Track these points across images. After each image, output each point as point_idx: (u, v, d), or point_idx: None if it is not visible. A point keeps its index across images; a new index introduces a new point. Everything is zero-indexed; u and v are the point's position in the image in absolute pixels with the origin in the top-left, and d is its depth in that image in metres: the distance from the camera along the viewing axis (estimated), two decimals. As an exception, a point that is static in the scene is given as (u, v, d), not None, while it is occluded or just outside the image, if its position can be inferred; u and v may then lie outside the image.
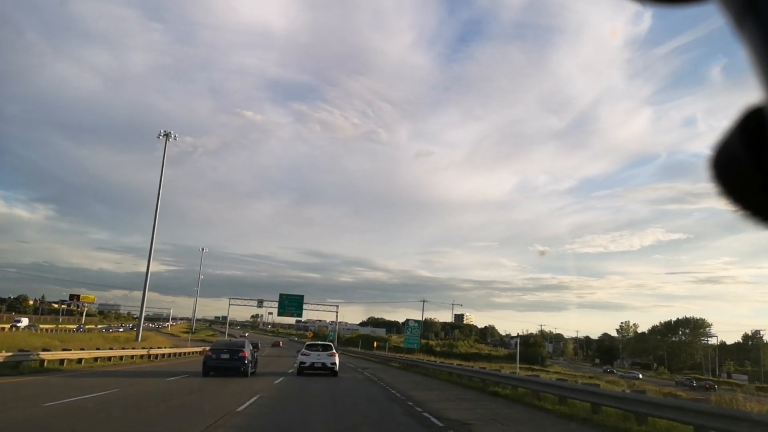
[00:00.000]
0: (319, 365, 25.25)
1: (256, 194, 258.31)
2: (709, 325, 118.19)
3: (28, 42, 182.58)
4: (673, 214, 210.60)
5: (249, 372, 23.66)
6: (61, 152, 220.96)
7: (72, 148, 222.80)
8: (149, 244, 51.71)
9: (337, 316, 79.11)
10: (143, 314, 55.77)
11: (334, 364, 25.40)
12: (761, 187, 0.68)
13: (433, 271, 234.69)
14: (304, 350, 26.71)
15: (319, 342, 31.45)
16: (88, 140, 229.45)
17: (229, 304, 73.27)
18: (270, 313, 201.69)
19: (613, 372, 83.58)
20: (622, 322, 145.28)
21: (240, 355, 23.38)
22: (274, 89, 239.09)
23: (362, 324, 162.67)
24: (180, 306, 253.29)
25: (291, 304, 76.73)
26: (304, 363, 25.45)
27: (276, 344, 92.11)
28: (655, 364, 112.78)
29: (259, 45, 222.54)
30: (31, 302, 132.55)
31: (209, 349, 25.02)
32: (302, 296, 77.30)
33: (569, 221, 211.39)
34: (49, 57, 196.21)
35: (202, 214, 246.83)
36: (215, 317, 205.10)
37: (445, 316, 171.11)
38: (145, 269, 53.54)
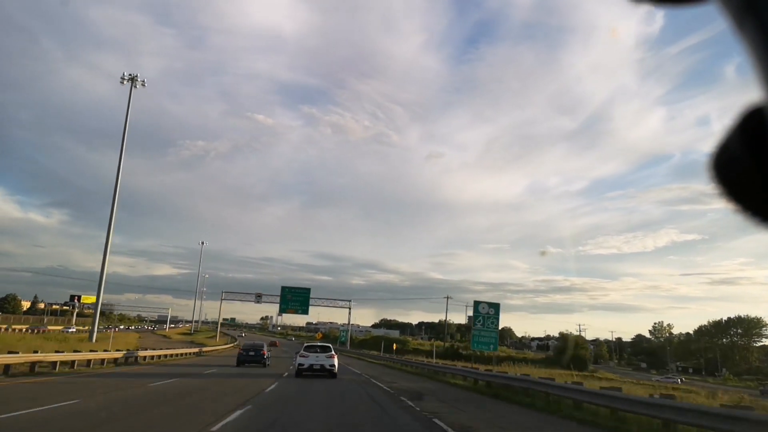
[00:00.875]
0: (318, 367, 24.87)
1: (268, 197, 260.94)
2: (765, 325, 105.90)
3: (43, 49, 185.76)
4: (687, 214, 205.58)
5: (267, 364, 34.08)
6: (74, 157, 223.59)
7: (85, 153, 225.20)
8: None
9: (350, 315, 67.85)
10: (98, 313, 44.26)
11: (333, 366, 25.05)
12: (761, 187, 0.68)
13: (445, 273, 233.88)
14: (302, 352, 26.33)
15: (318, 343, 30.23)
16: (101, 145, 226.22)
17: (221, 300, 62.31)
18: (279, 315, 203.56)
19: (675, 379, 70.88)
20: (655, 323, 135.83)
21: (261, 352, 34.59)
22: (284, 93, 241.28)
23: (374, 326, 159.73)
24: (190, 309, 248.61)
25: (295, 299, 65.38)
26: (303, 365, 25.02)
27: (273, 344, 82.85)
28: (705, 369, 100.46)
29: (269, 49, 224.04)
30: (26, 303, 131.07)
31: (241, 348, 36.41)
32: (308, 290, 66.19)
33: (581, 222, 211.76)
34: (63, 63, 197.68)
35: (214, 218, 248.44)
36: (224, 319, 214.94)
37: (458, 318, 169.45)
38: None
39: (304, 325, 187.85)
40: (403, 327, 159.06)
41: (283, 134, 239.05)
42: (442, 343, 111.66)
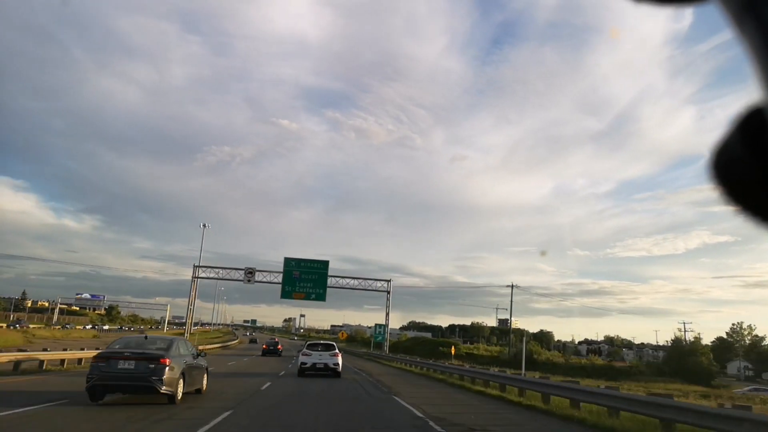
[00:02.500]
0: (321, 366, 24.18)
1: (293, 202, 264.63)
2: None
3: (74, 58, 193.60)
4: (719, 215, 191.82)
5: (281, 354, 46.17)
6: (105, 164, 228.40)
7: (116, 160, 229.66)
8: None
9: (389, 302, 46.45)
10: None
11: (337, 364, 24.39)
12: (762, 187, 0.67)
13: (470, 276, 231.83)
14: (305, 350, 25.45)
15: (322, 341, 28.68)
16: (131, 152, 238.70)
17: (194, 278, 41.78)
18: (302, 316, 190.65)
19: None
20: (734, 324, 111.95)
21: (278, 347, 47.73)
22: (308, 97, 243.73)
23: (403, 328, 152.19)
24: (218, 312, 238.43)
25: (306, 277, 44.23)
26: (305, 363, 24.25)
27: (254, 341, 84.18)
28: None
29: (293, 54, 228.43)
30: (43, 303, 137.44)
31: (266, 344, 49.59)
32: (324, 264, 44.87)
33: (609, 225, 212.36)
34: (93, 72, 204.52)
35: (241, 222, 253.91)
36: (244, 321, 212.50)
37: (488, 322, 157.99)
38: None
39: (329, 328, 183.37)
40: (433, 330, 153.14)
41: (308, 139, 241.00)
42: (495, 348, 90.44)
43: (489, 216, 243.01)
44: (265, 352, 46.01)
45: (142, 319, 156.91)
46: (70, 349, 23.85)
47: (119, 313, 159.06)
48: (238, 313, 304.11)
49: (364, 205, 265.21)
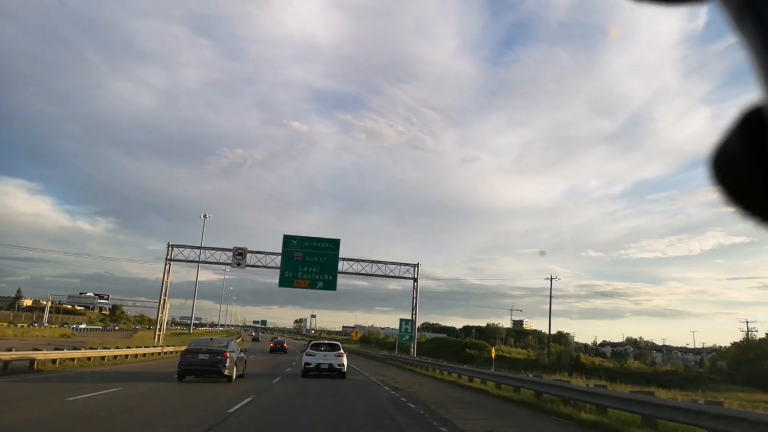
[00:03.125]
0: (326, 366, 23.61)
1: (304, 204, 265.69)
2: None
3: (88, 62, 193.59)
4: (735, 216, 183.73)
5: (286, 352, 51.42)
6: (119, 167, 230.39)
7: (129, 163, 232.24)
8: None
9: (416, 291, 37.24)
10: None
11: (342, 365, 23.82)
12: (761, 187, 0.67)
13: (482, 278, 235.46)
14: (309, 350, 24.92)
15: (325, 341, 28.20)
16: (145, 155, 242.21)
17: (168, 259, 32.67)
18: (313, 316, 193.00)
19: None
20: None
21: (283, 345, 54.24)
22: (319, 100, 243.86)
23: (418, 329, 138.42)
24: (230, 314, 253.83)
25: (312, 260, 34.95)
26: (309, 364, 23.70)
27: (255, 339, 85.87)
28: None
29: (304, 57, 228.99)
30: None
31: (273, 342, 56.06)
32: (336, 244, 35.50)
33: (623, 226, 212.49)
34: (107, 76, 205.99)
35: (253, 225, 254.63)
36: (253, 321, 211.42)
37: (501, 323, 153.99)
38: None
39: (341, 329, 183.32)
40: (448, 331, 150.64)
41: (319, 141, 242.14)
42: (522, 351, 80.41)
43: (501, 218, 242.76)
44: (273, 350, 52.31)
45: (149, 320, 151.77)
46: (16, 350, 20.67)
47: (123, 312, 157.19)
48: (250, 314, 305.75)
49: (375, 207, 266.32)
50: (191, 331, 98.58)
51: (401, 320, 39.22)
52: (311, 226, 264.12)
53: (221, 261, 38.40)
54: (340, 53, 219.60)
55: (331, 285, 36.66)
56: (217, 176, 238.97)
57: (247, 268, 37.87)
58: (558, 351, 66.28)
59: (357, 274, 38.45)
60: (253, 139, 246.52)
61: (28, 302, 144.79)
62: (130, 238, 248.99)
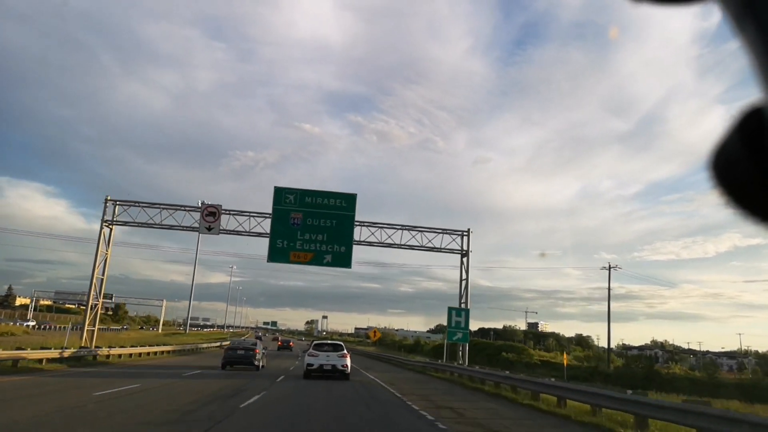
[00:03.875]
0: (329, 367, 22.66)
1: None
2: None
3: (102, 65, 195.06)
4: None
5: (292, 350, 57.52)
6: (133, 169, 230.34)
7: (144, 165, 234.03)
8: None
9: (466, 261, 25.68)
10: None
11: (345, 366, 22.95)
12: (761, 187, 0.67)
13: (494, 280, 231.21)
14: (311, 350, 24.00)
15: (328, 341, 26.66)
16: (159, 157, 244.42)
17: (106, 221, 21.37)
18: (325, 317, 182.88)
19: None
20: None
21: (290, 343, 62.87)
22: (331, 101, 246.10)
23: (431, 331, 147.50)
24: (246, 315, 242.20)
25: (317, 223, 23.62)
26: (312, 365, 22.82)
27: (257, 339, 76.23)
28: None
29: (316, 59, 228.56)
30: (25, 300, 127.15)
31: (281, 341, 65.31)
32: (351, 199, 23.89)
33: (637, 227, 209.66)
34: (121, 79, 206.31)
35: (267, 227, 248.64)
36: (264, 322, 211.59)
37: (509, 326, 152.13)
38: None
39: (353, 331, 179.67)
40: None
41: (330, 143, 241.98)
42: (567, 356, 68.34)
43: (513, 219, 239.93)
44: (280, 348, 58.90)
45: (155, 320, 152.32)
46: None
47: (126, 312, 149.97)
48: (261, 316, 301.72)
49: (387, 209, 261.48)
50: (186, 331, 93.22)
51: (450, 309, 26.83)
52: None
53: (187, 225, 27.11)
54: (351, 55, 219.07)
55: (343, 260, 25.52)
56: (229, 178, 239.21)
57: (223, 235, 26.74)
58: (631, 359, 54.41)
59: (383, 245, 26.94)
60: (265, 141, 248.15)
61: (24, 300, 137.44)
62: (144, 239, 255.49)
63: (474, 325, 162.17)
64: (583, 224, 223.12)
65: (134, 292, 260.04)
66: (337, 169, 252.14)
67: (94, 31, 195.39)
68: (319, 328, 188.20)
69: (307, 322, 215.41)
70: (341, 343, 25.04)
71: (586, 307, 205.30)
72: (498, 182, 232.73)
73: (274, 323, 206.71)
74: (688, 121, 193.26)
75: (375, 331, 63.12)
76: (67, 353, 22.72)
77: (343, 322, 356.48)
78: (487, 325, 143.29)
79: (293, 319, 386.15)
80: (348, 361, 23.18)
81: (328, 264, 25.83)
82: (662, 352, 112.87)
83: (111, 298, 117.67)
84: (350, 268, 26.08)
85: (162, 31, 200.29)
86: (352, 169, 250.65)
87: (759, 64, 0.67)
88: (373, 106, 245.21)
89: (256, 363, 24.83)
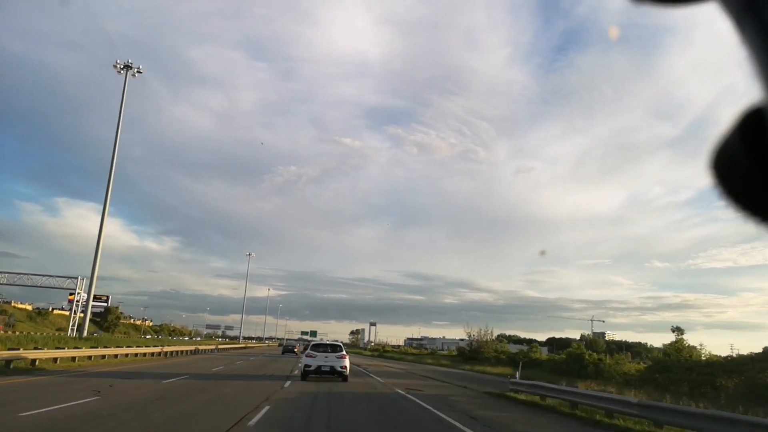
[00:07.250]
0: (327, 369, 23.17)
1: (358, 219, 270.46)
2: None
3: (151, 89, 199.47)
4: None
5: (296, 354, 58.20)
6: (182, 188, 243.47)
7: (191, 184, 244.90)
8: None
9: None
10: None
11: (344, 367, 23.25)
12: (761, 187, 0.67)
13: (541, 291, 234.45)
14: (309, 351, 24.66)
15: (327, 342, 27.32)
16: (205, 175, 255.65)
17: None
18: (373, 324, 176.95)
19: None
20: None
21: (294, 349, 63.70)
22: (370, 116, 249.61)
23: (494, 339, 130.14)
24: (290, 328, 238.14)
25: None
26: (309, 366, 23.48)
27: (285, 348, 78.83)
28: None
29: (355, 74, 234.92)
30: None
31: (293, 347, 66.67)
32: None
33: (690, 235, 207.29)
34: (169, 101, 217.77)
35: (309, 241, 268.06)
36: (302, 332, 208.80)
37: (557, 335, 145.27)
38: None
39: (403, 342, 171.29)
40: (528, 342, 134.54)
41: (371, 156, 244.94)
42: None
43: (558, 228, 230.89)
44: (284, 352, 62.49)
45: (172, 329, 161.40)
46: None
47: (119, 317, 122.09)
48: (307, 328, 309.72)
49: (429, 221, 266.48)
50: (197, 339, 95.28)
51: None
52: (365, 240, 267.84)
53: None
54: (389, 69, 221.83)
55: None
56: (273, 194, 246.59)
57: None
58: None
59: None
60: (307, 156, 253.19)
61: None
62: (193, 255, 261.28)
63: (522, 335, 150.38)
64: (632, 232, 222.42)
65: (185, 307, 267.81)
66: (378, 182, 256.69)
67: (144, 56, 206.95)
68: (366, 338, 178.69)
69: (352, 332, 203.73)
70: (340, 344, 25.94)
71: (639, 317, 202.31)
72: (541, 192, 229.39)
73: (313, 333, 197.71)
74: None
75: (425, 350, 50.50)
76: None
77: (388, 333, 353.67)
78: (537, 336, 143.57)
79: (338, 331, 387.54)
80: (347, 362, 23.45)
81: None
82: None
83: (107, 300, 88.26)
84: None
85: (207, 53, 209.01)
86: (393, 181, 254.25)
87: (759, 64, 0.67)
88: (412, 118, 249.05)
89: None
